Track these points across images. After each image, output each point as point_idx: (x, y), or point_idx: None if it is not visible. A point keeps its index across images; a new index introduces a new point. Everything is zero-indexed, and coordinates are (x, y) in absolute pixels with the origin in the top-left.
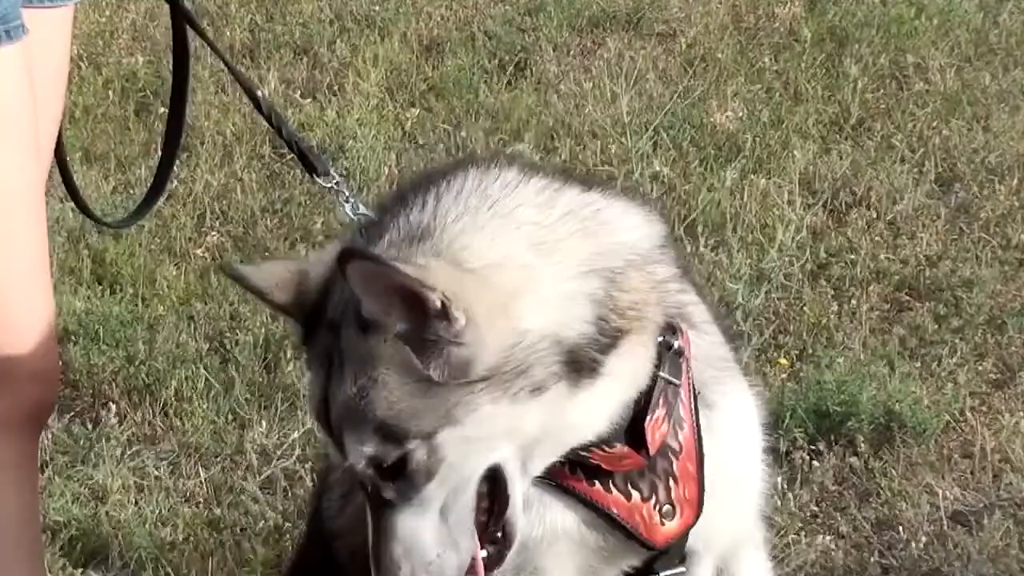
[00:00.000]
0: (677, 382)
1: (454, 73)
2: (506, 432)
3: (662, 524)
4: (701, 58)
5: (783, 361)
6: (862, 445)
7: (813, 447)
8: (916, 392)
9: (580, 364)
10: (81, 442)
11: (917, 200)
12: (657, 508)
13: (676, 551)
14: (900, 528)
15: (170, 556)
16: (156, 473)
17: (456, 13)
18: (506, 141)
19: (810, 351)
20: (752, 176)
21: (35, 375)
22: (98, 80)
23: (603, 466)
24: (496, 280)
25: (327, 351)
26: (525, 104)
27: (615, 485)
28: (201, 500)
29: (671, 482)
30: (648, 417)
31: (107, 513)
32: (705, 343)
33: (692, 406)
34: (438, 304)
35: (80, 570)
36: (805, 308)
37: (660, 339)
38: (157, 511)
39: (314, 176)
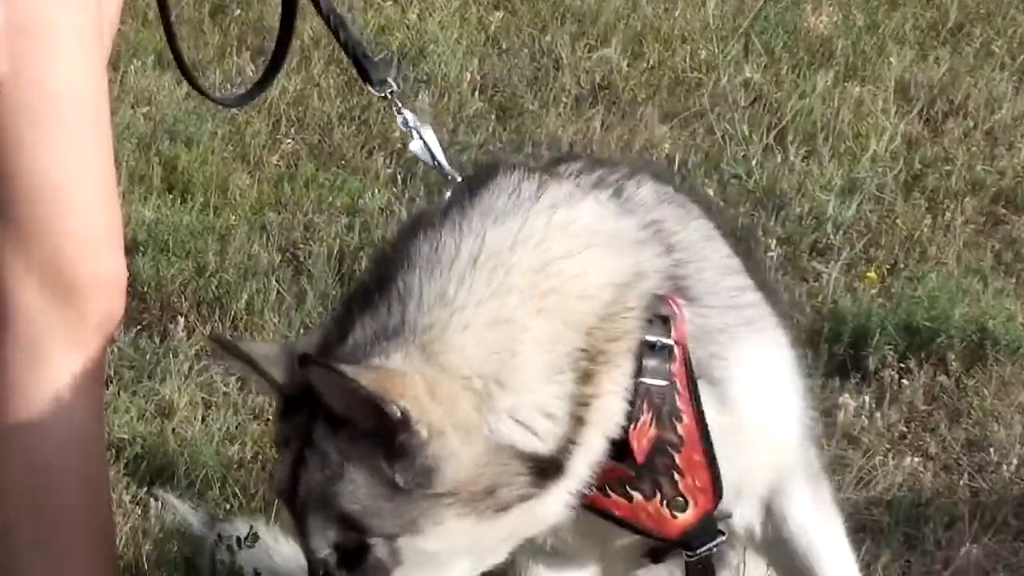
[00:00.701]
0: (662, 384)
1: None
2: (469, 548)
3: (674, 517)
4: None
5: (873, 275)
6: (953, 363)
7: (902, 365)
8: (1010, 308)
9: (549, 469)
10: (148, 356)
11: (1017, 109)
12: (665, 503)
13: (704, 531)
14: (991, 450)
15: (237, 474)
16: (224, 389)
17: None
18: (593, 46)
19: (902, 265)
20: (845, 83)
21: (102, 286)
22: None
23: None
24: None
25: (302, 432)
26: (613, 6)
27: (612, 490)
28: (269, 417)
29: (676, 476)
30: (631, 427)
31: (173, 430)
32: (704, 317)
33: (691, 394)
34: (398, 415)
35: (144, 489)
36: (897, 220)
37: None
38: (224, 428)
39: (369, 84)
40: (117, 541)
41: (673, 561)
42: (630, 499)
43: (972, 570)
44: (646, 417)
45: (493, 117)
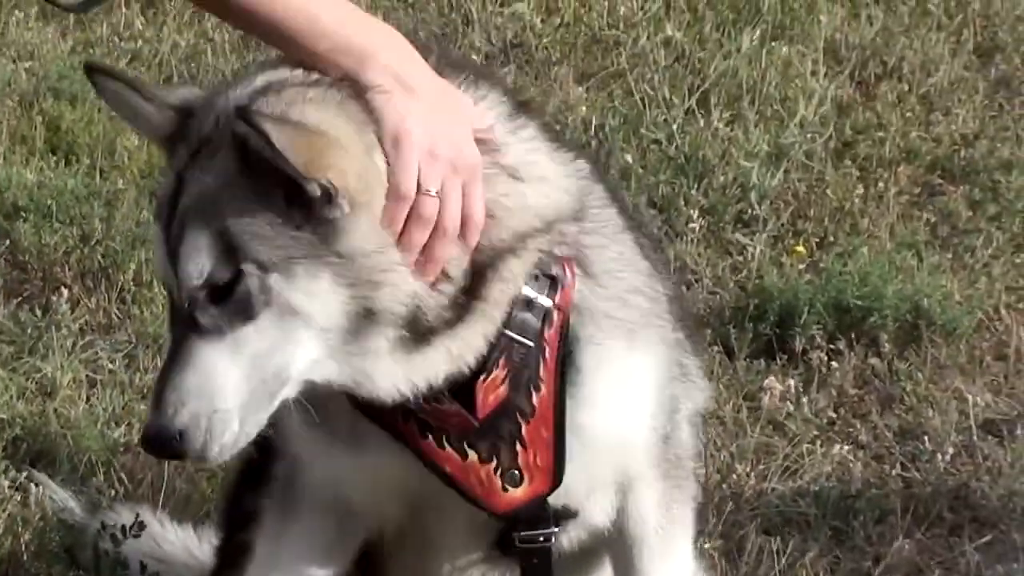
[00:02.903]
0: (529, 343)
1: None
2: (323, 326)
3: (504, 490)
4: None
5: (801, 249)
6: (886, 344)
7: (832, 346)
8: (946, 286)
9: (417, 328)
10: (29, 331)
11: (954, 72)
12: (499, 472)
13: (536, 516)
14: (925, 438)
15: (123, 459)
16: (110, 366)
17: None
18: (504, 1)
19: (831, 238)
20: (772, 43)
21: None
22: None
23: (431, 422)
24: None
25: (201, 141)
26: None
27: (449, 442)
28: None
29: (518, 446)
30: (482, 376)
31: (55, 410)
32: (596, 296)
33: (556, 367)
34: (318, 193)
35: (23, 473)
36: (827, 191)
37: (519, 296)
38: (110, 409)
39: None
40: None
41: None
42: (465, 456)
43: (904, 566)
44: (499, 373)
45: None
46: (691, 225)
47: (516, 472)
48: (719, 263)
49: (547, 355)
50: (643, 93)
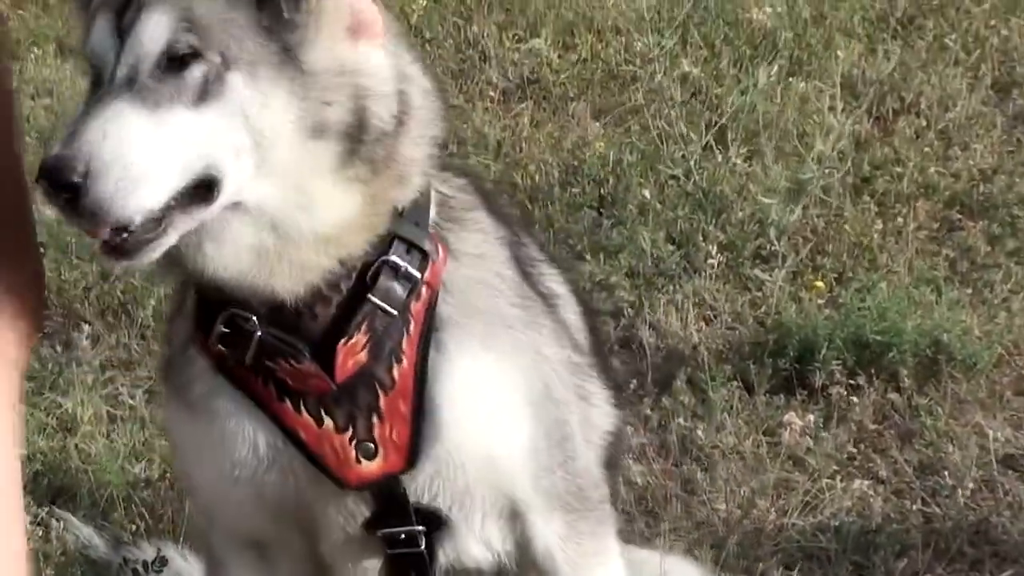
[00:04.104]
0: (391, 310)
1: None
2: (267, 139)
3: (358, 462)
4: None
5: (819, 284)
6: (905, 380)
7: (851, 381)
8: (965, 321)
9: (355, 143)
10: (50, 367)
11: (971, 107)
12: (353, 443)
13: (393, 503)
14: (945, 473)
15: (143, 494)
16: (131, 402)
17: None
18: (521, 37)
19: (850, 274)
20: (790, 79)
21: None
22: None
23: (289, 382)
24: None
25: None
26: None
27: (306, 408)
28: None
29: (375, 418)
30: (343, 339)
31: (76, 446)
32: (461, 276)
33: (420, 342)
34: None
35: (45, 508)
36: (845, 226)
37: (384, 258)
38: (131, 444)
39: None
40: None
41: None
42: (320, 423)
43: None
44: (360, 338)
45: None
46: (710, 261)
47: (371, 445)
48: (738, 298)
49: (411, 329)
50: (660, 129)
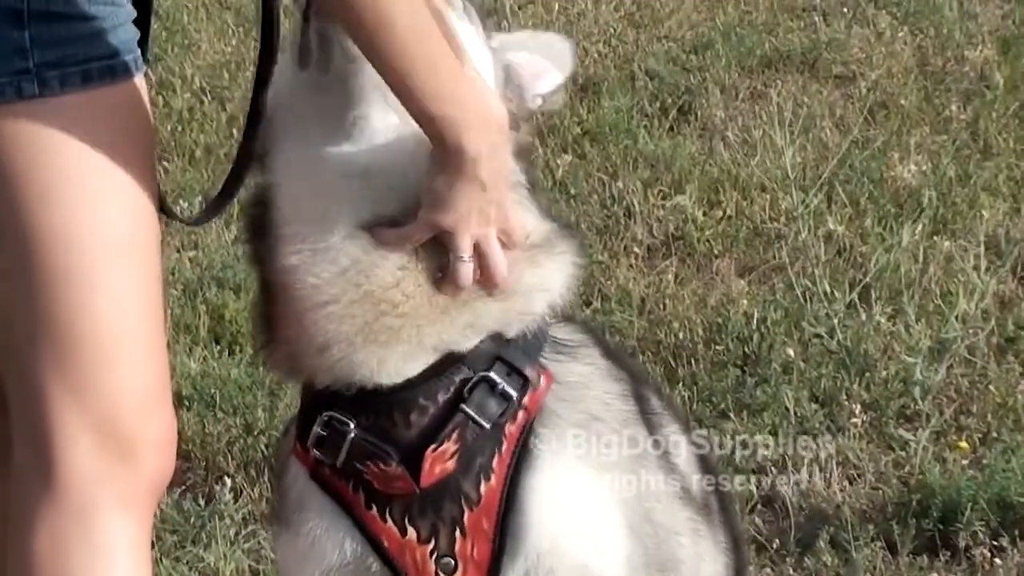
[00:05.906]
0: (484, 423)
1: (611, 116)
2: None
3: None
4: (882, 104)
5: (964, 445)
6: None
7: (995, 542)
8: None
9: None
10: (192, 520)
11: None
12: (434, 557)
13: None
14: None
15: None
16: (273, 556)
17: (615, 50)
18: (666, 193)
19: (995, 434)
20: (934, 237)
21: (154, 443)
22: (222, 117)
23: (375, 484)
24: None
25: None
26: (688, 152)
27: (392, 515)
28: None
29: (457, 532)
30: (433, 445)
31: None
32: (562, 401)
33: (511, 461)
34: None
35: None
36: (990, 386)
37: (484, 374)
38: None
39: None
40: None
41: None
42: (404, 532)
43: None
44: (449, 446)
45: None
46: (853, 420)
47: (451, 560)
48: (881, 458)
49: (503, 448)
50: (804, 287)
